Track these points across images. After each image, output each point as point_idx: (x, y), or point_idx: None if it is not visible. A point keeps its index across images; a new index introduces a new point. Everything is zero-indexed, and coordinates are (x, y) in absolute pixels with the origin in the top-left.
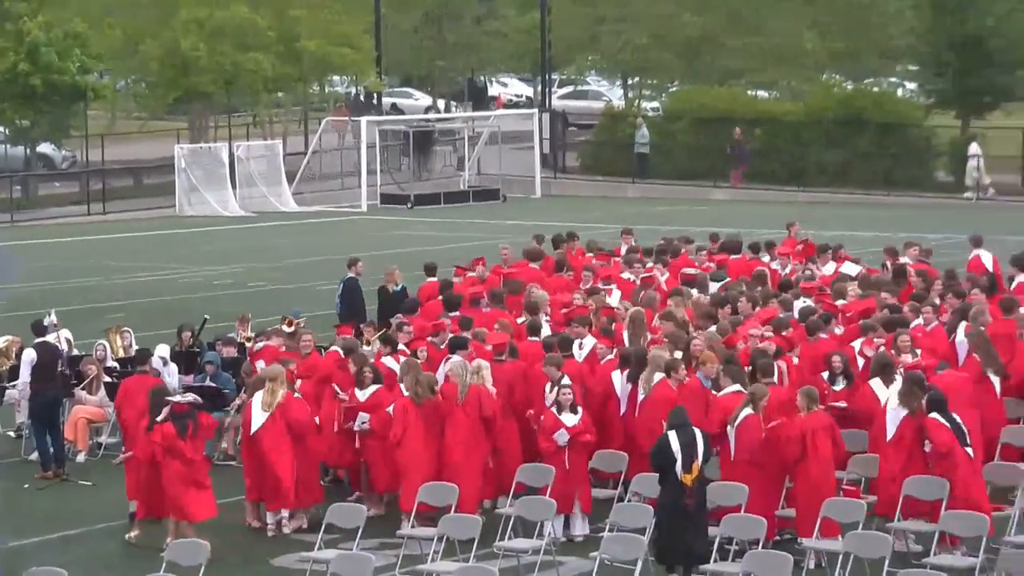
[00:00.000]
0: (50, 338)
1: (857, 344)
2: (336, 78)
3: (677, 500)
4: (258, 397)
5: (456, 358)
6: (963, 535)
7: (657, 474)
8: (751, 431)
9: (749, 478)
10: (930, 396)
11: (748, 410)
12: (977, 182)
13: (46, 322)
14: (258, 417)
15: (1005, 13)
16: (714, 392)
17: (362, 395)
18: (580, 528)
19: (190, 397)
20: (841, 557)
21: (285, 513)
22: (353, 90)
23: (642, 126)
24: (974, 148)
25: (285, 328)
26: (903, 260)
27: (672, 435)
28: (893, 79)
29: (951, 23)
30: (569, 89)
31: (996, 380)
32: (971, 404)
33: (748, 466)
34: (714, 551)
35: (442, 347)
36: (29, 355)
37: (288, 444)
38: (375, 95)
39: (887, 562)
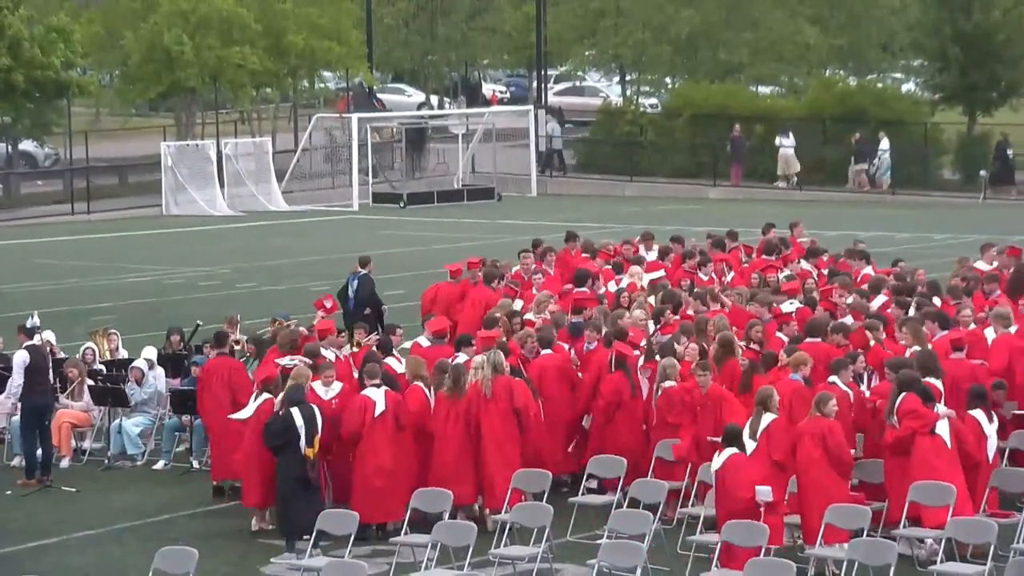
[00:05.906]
0: (35, 341)
1: None
2: (327, 73)
3: (300, 473)
4: None
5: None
6: (970, 542)
7: (274, 448)
8: (780, 434)
9: (774, 483)
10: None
11: (769, 415)
12: (872, 177)
13: (28, 324)
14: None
15: (1012, 6)
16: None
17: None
18: None
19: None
20: (846, 564)
21: None
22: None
23: (550, 121)
24: (885, 143)
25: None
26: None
27: (295, 411)
28: (898, 75)
29: (956, 17)
30: (565, 85)
31: None
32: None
33: (776, 471)
34: (715, 559)
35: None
36: (21, 357)
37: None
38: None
39: (892, 570)
